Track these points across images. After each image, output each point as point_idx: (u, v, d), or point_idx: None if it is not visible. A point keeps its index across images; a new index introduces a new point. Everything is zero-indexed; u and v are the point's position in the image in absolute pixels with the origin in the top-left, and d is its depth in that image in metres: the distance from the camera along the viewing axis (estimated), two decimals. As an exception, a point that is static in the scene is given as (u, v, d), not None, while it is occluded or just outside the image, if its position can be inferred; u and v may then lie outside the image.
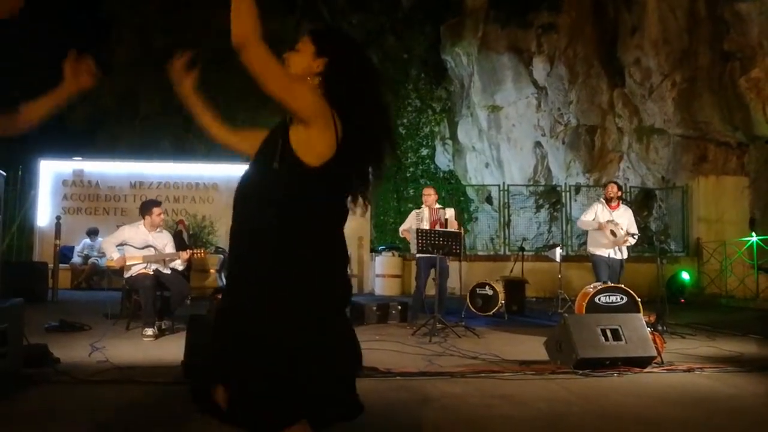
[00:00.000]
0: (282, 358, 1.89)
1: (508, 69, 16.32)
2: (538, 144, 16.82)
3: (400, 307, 8.11)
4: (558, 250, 9.92)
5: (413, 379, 4.48)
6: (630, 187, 14.83)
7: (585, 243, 8.68)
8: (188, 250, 6.93)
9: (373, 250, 13.39)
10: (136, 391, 4.06)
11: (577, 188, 15.73)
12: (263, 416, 1.89)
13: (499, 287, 8.94)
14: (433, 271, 7.69)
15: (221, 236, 13.34)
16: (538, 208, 17.00)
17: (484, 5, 16.70)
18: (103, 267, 10.19)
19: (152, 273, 6.46)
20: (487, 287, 8.95)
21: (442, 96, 19.16)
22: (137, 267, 6.52)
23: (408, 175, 18.66)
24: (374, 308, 7.95)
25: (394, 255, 12.71)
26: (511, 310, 9.04)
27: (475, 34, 16.74)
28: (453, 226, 7.65)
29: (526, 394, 4.08)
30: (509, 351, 5.74)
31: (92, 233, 12.80)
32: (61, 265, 10.81)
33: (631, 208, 8.05)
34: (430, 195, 7.97)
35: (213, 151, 17.48)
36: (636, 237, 7.76)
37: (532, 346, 5.82)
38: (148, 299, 6.28)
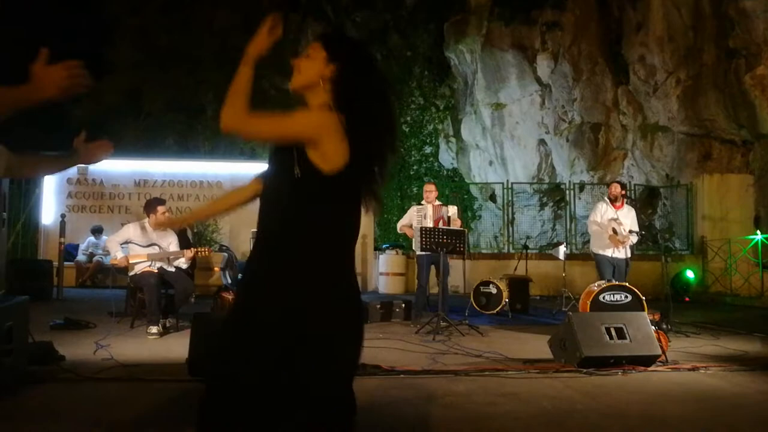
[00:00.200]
0: (278, 355, 1.91)
1: (512, 66, 16.29)
2: (542, 142, 16.78)
3: (403, 305, 8.12)
4: (562, 249, 9.91)
5: (417, 377, 4.48)
6: (634, 184, 14.81)
7: (589, 241, 8.67)
8: (192, 249, 6.95)
9: (377, 249, 13.40)
10: (141, 388, 4.07)
11: (582, 186, 15.70)
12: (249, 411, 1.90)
13: (503, 285, 8.93)
14: (434, 268, 7.71)
15: (225, 234, 13.37)
16: (542, 206, 16.98)
17: (488, 2, 16.67)
18: (108, 265, 10.21)
19: (157, 271, 6.48)
20: (490, 285, 8.95)
21: (446, 93, 19.13)
22: (142, 265, 6.53)
23: (411, 173, 18.65)
24: (378, 306, 7.96)
25: (397, 253, 12.72)
26: (515, 308, 9.04)
27: (478, 32, 16.70)
28: (456, 224, 7.65)
29: (530, 393, 4.08)
30: (513, 349, 5.74)
31: (97, 231, 12.83)
32: (65, 263, 10.84)
33: (635, 207, 8.06)
34: (432, 191, 7.97)
35: (217, 148, 17.54)
36: (638, 236, 7.76)
37: (536, 345, 5.82)
38: (153, 297, 6.30)
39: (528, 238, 12.82)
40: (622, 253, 7.64)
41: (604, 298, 6.92)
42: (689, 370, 4.88)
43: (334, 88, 2.06)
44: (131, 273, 6.60)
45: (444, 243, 7.02)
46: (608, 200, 7.84)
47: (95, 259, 12.66)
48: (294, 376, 1.91)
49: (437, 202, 7.94)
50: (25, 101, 2.00)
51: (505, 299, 8.78)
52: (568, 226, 15.29)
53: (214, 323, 4.58)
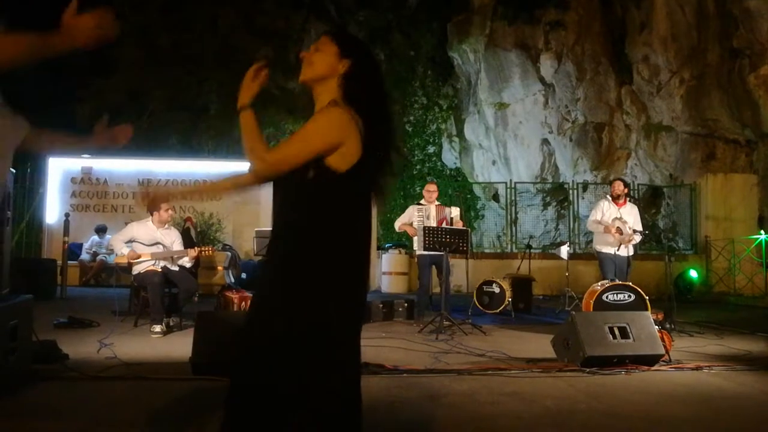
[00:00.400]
0: (290, 352, 1.93)
1: (516, 66, 16.27)
2: (545, 141, 16.77)
3: (406, 305, 8.12)
4: (565, 248, 9.90)
5: (420, 377, 4.48)
6: (638, 184, 14.78)
7: (592, 240, 8.66)
8: (196, 248, 6.96)
9: (380, 248, 13.39)
10: (144, 387, 4.08)
11: (585, 186, 15.68)
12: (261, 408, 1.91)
13: (506, 285, 8.93)
14: (435, 268, 7.72)
15: (229, 233, 13.40)
16: (545, 205, 16.96)
17: (492, 2, 16.65)
18: (112, 264, 10.23)
19: (160, 270, 6.50)
20: (494, 285, 8.95)
21: (449, 93, 19.12)
22: (145, 264, 6.55)
23: (414, 172, 18.64)
24: (381, 305, 7.96)
25: (400, 252, 12.72)
26: (518, 307, 9.03)
27: (482, 31, 16.69)
28: (458, 226, 7.65)
29: (533, 392, 4.08)
30: (516, 348, 5.73)
31: (100, 230, 12.87)
32: (69, 262, 10.87)
33: (637, 205, 8.02)
34: (434, 191, 7.97)
35: (220, 147, 17.55)
36: (642, 234, 7.73)
37: (540, 344, 5.82)
38: (156, 296, 6.31)
39: (531, 237, 12.79)
40: (624, 251, 7.62)
41: (607, 297, 6.91)
42: (693, 369, 4.87)
43: (347, 84, 2.08)
44: (135, 272, 6.61)
45: (447, 242, 7.02)
46: (610, 198, 7.81)
47: (99, 258, 12.69)
48: (318, 377, 1.93)
49: (437, 203, 7.94)
50: (53, 48, 2.00)
51: (508, 299, 8.77)
52: (571, 226, 15.27)
53: (217, 322, 4.59)
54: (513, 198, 15.14)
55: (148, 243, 6.60)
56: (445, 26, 17.92)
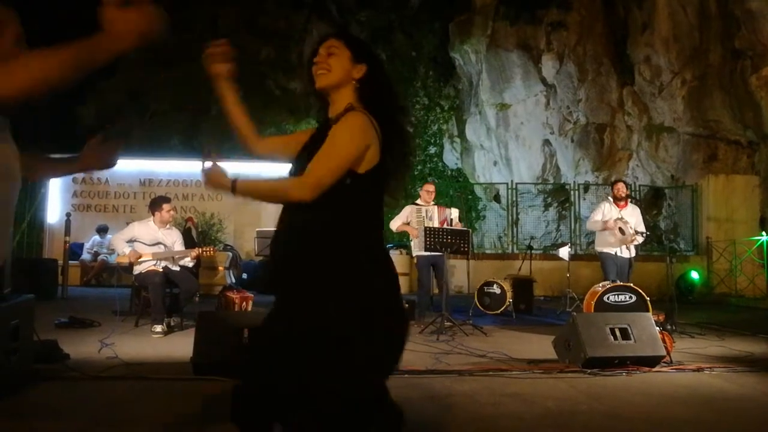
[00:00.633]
0: (355, 374, 1.96)
1: (517, 66, 16.25)
2: (546, 142, 16.75)
3: (407, 305, 8.07)
4: (566, 249, 9.90)
5: (421, 377, 4.48)
6: (639, 185, 14.77)
7: (593, 241, 8.65)
8: (197, 248, 6.97)
9: (381, 248, 13.36)
10: (145, 387, 4.08)
11: (586, 186, 15.66)
12: None
13: (507, 286, 8.92)
14: (434, 270, 7.70)
15: (230, 234, 13.40)
16: (547, 206, 16.94)
17: (493, 2, 16.64)
18: (113, 264, 10.24)
19: (161, 270, 6.50)
20: (495, 286, 8.94)
21: (451, 94, 19.11)
22: (146, 264, 6.55)
23: (416, 173, 18.61)
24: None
25: (401, 253, 12.71)
26: (519, 308, 9.03)
27: (483, 32, 16.67)
28: (457, 227, 7.64)
29: (534, 393, 4.07)
30: (517, 349, 5.73)
31: (102, 230, 12.88)
32: (70, 261, 10.88)
33: (639, 206, 8.01)
34: (433, 192, 7.97)
35: (222, 148, 17.55)
36: (644, 236, 7.72)
37: (541, 345, 5.82)
38: (157, 296, 6.31)
39: (532, 238, 12.80)
40: (626, 252, 7.62)
41: (608, 298, 6.90)
42: (694, 371, 4.87)
43: (364, 88, 2.08)
44: (136, 272, 6.61)
45: (449, 243, 7.02)
46: (612, 200, 7.80)
47: (100, 258, 12.70)
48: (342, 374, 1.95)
49: (432, 203, 7.94)
50: (102, 54, 1.55)
51: (509, 299, 8.77)
52: (572, 227, 15.26)
53: (218, 322, 4.59)
54: (514, 199, 15.13)
55: (149, 243, 6.61)
56: (446, 26, 17.90)
